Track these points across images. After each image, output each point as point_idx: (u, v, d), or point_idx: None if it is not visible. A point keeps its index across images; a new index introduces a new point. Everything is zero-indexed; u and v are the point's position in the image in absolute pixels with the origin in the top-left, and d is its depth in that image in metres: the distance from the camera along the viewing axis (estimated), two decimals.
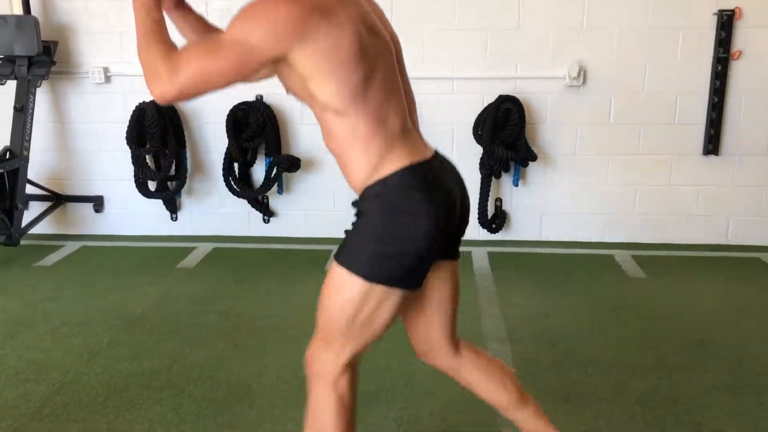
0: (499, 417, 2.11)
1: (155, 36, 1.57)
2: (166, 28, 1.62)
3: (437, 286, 1.83)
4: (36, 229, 4.77)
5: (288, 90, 1.67)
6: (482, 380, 1.95)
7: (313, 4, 1.48)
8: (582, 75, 4.40)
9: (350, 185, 1.68)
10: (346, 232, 1.68)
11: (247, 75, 1.55)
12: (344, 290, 1.64)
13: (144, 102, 4.48)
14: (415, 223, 1.59)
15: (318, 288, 1.72)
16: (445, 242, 1.72)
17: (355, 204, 1.69)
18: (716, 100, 4.39)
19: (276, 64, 1.57)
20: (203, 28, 1.86)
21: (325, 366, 1.70)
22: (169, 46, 1.56)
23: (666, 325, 3.36)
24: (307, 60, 1.49)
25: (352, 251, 1.64)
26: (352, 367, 1.73)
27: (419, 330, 1.91)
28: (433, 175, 1.64)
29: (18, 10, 4.39)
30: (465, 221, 1.82)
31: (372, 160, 1.59)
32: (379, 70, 1.57)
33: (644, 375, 2.86)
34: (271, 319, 3.44)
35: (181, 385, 2.80)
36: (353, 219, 1.68)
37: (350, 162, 1.62)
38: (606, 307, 3.60)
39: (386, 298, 1.64)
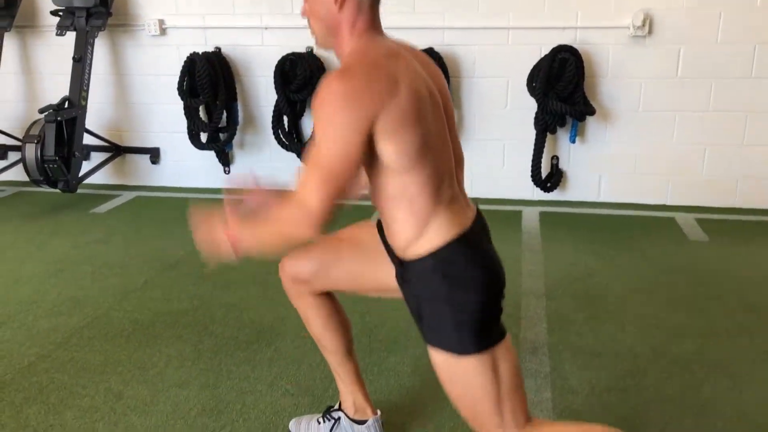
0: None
1: (260, 222, 1.56)
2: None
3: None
4: (96, 179, 4.91)
5: None
6: (321, 315, 1.93)
7: (369, 72, 1.44)
8: (648, 24, 4.10)
9: (389, 238, 1.62)
10: (413, 313, 1.61)
11: (358, 163, 1.45)
12: (462, 375, 1.55)
13: (194, 53, 4.50)
14: (476, 286, 1.53)
15: None
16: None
17: (400, 266, 1.61)
18: None
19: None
20: None
21: None
22: (276, 209, 1.52)
23: (721, 289, 3.11)
24: (378, 126, 1.43)
25: (440, 336, 1.55)
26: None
27: (320, 272, 1.84)
28: (475, 243, 1.58)
29: None
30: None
31: (417, 223, 1.53)
32: (435, 130, 1.52)
33: (688, 337, 2.66)
34: None
35: (206, 324, 2.81)
36: (404, 287, 1.61)
37: (395, 222, 1.56)
38: (659, 269, 3.37)
39: (498, 355, 1.54)
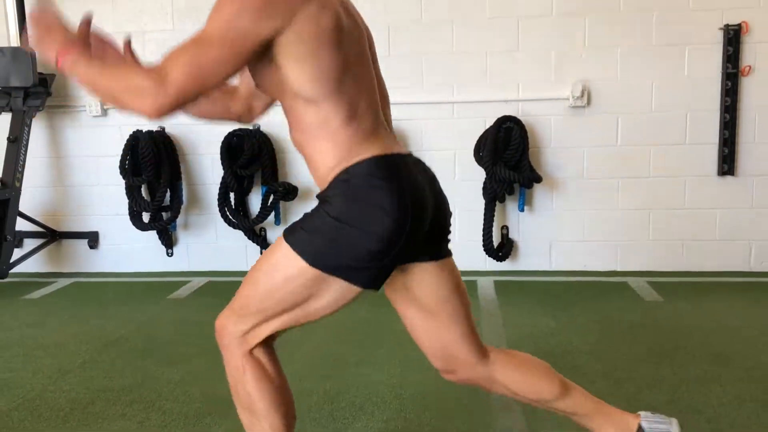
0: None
1: (115, 66, 1.46)
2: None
3: (426, 290, 1.65)
4: (28, 267, 4.65)
5: (257, 85, 1.57)
6: (521, 379, 1.76)
7: None
8: (586, 95, 4.26)
9: (315, 178, 1.57)
10: (305, 214, 1.56)
11: (240, 64, 1.39)
12: (283, 269, 1.52)
13: (138, 130, 4.41)
14: (376, 218, 1.46)
15: None
16: (420, 244, 1.56)
17: (319, 195, 1.56)
18: (728, 118, 4.21)
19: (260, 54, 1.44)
20: None
21: (236, 338, 1.60)
22: (138, 65, 1.44)
23: (684, 342, 3.08)
24: (287, 42, 1.38)
25: (304, 232, 1.51)
26: (269, 342, 1.63)
27: (430, 342, 1.71)
28: (400, 170, 1.52)
29: (15, 41, 4.40)
30: (442, 226, 1.65)
31: (340, 153, 1.49)
32: (355, 59, 1.48)
33: (660, 387, 2.59)
34: None
35: (152, 400, 2.58)
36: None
37: (317, 153, 1.52)
38: (619, 327, 3.34)
39: (327, 288, 1.51)
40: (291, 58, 1.39)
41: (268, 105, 1.79)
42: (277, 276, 1.52)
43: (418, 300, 1.66)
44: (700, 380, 2.65)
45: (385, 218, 1.46)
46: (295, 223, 1.55)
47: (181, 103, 1.36)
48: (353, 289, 1.52)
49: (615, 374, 2.72)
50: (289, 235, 1.52)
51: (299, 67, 1.40)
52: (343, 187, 1.48)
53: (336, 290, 1.52)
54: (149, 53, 4.42)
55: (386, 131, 1.59)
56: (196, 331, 3.36)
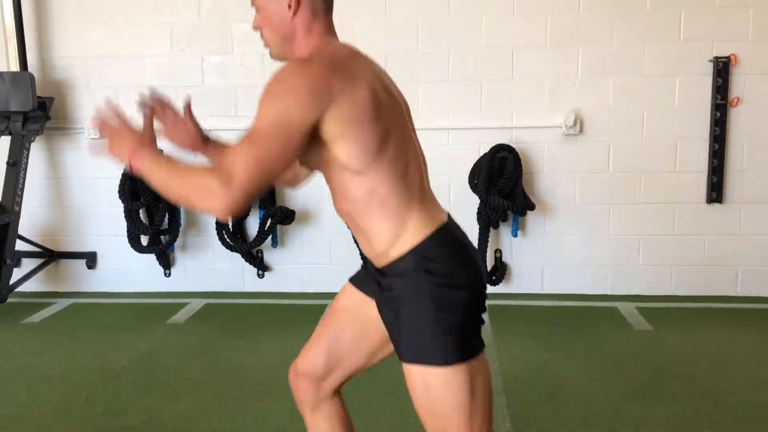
0: None
1: (182, 166, 1.45)
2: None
3: (377, 323, 1.66)
4: (27, 287, 4.68)
5: (301, 162, 1.61)
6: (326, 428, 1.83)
7: (332, 65, 1.44)
8: (578, 123, 4.35)
9: (364, 248, 1.59)
10: (391, 324, 1.55)
11: (295, 151, 1.42)
12: (435, 387, 1.49)
13: None
14: (460, 287, 1.51)
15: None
16: None
17: (381, 275, 1.57)
18: (717, 147, 4.32)
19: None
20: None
21: None
22: (202, 165, 1.45)
23: (673, 377, 3.17)
24: (328, 121, 1.42)
25: (416, 343, 1.50)
26: None
27: (333, 347, 1.77)
28: (456, 238, 1.59)
29: (15, 66, 4.42)
30: None
31: (394, 224, 1.50)
32: (396, 129, 1.51)
33: (652, 427, 2.68)
34: (257, 370, 3.29)
35: None
36: (385, 295, 1.56)
37: (368, 225, 1.53)
38: (610, 359, 3.43)
39: (476, 368, 1.52)
40: (333, 135, 1.43)
41: (312, 172, 1.82)
42: (445, 398, 1.50)
43: (364, 324, 1.72)
44: (689, 418, 2.74)
45: (467, 292, 1.51)
46: (402, 341, 1.53)
47: (249, 197, 1.39)
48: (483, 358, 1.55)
49: (608, 413, 2.80)
50: (412, 357, 1.50)
51: (342, 143, 1.44)
52: (421, 275, 1.49)
53: (480, 366, 1.53)
54: (149, 77, 4.49)
55: (431, 194, 1.62)
56: (199, 362, 3.43)
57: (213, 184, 1.36)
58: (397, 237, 1.50)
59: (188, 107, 1.79)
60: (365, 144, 1.44)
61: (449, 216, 1.64)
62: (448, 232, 1.56)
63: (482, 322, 1.56)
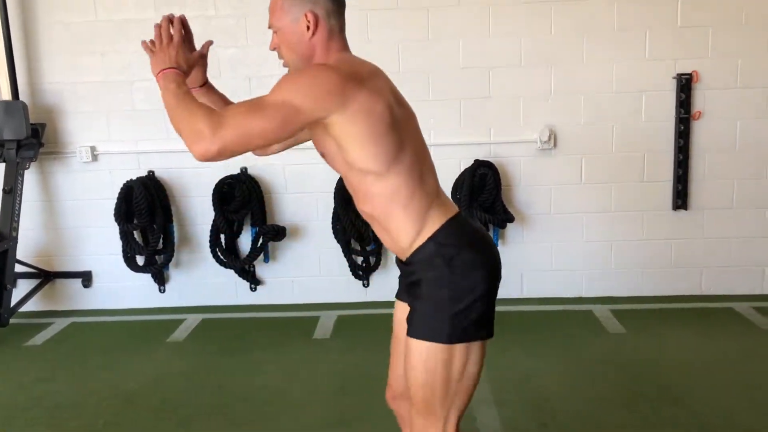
0: None
1: (191, 102, 1.63)
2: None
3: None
4: (24, 307, 4.80)
5: (321, 152, 1.79)
6: None
7: (351, 74, 1.62)
8: (552, 138, 4.61)
9: (389, 245, 1.78)
10: (412, 303, 1.74)
11: (285, 136, 1.62)
12: (432, 361, 1.69)
13: (131, 180, 4.60)
14: (476, 272, 1.69)
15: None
16: None
17: (405, 265, 1.76)
18: (681, 158, 4.61)
19: (313, 128, 1.68)
20: (225, 105, 1.97)
21: None
22: (209, 108, 1.62)
23: (646, 382, 3.46)
24: (344, 126, 1.60)
25: (427, 321, 1.69)
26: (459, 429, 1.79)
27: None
28: (471, 225, 1.79)
29: (6, 94, 4.51)
30: None
31: (415, 219, 1.69)
32: (409, 135, 1.71)
33: None
34: (264, 391, 3.49)
35: None
36: (408, 281, 1.75)
37: (392, 223, 1.71)
38: (586, 364, 3.71)
39: (471, 353, 1.72)
40: (348, 138, 1.62)
41: (285, 148, 2.00)
42: (432, 370, 1.68)
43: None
44: (661, 425, 3.03)
45: (480, 269, 1.70)
46: (414, 319, 1.71)
47: (223, 157, 1.58)
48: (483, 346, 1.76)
49: (590, 422, 3.07)
50: (417, 333, 1.69)
51: (359, 146, 1.62)
52: (440, 260, 1.68)
53: (476, 351, 1.74)
54: (137, 101, 4.61)
55: (444, 195, 1.82)
56: (204, 384, 3.61)
57: (204, 130, 1.55)
58: (417, 233, 1.70)
59: (208, 44, 1.98)
60: (383, 148, 1.63)
61: (461, 211, 1.84)
62: (462, 221, 1.76)
63: (494, 308, 1.75)
